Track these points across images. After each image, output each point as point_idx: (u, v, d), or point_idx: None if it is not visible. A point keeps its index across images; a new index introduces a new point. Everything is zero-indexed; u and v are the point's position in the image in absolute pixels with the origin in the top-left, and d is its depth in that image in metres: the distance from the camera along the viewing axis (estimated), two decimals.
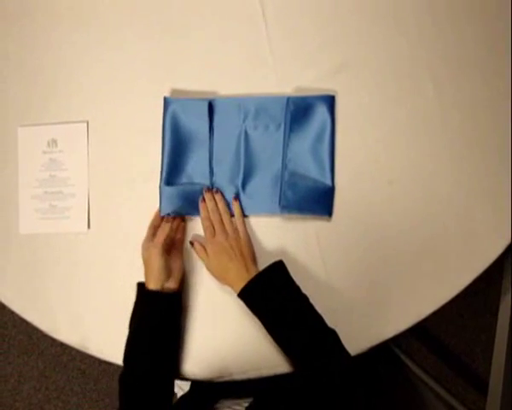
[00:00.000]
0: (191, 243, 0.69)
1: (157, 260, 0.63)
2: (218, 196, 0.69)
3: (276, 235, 0.69)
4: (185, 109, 0.70)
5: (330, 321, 0.60)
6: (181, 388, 0.85)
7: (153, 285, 0.63)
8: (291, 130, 0.69)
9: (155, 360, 0.63)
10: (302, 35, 0.72)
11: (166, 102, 0.71)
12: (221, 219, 0.68)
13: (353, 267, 0.68)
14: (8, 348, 1.43)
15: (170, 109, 0.70)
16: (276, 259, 0.64)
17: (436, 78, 0.70)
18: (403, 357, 1.05)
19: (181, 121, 0.70)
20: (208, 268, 0.67)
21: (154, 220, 0.69)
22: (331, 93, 0.70)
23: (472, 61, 0.70)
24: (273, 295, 0.61)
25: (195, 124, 0.70)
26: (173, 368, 0.67)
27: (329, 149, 0.69)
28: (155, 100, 0.71)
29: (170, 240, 0.67)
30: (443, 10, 0.71)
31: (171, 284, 0.65)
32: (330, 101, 0.69)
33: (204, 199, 0.69)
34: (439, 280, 0.67)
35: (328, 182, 0.68)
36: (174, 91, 0.73)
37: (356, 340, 0.65)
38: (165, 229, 0.66)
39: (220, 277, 0.66)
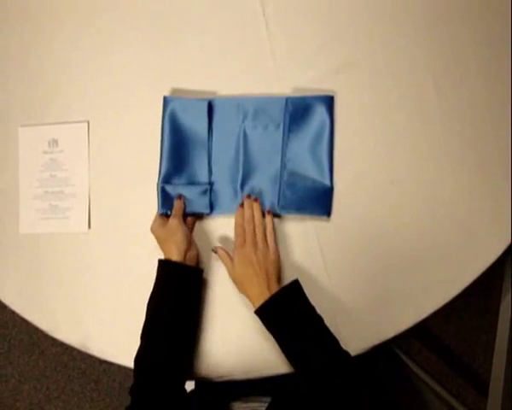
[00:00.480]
0: (214, 251, 0.68)
1: (179, 229, 0.64)
2: (255, 205, 0.68)
3: (276, 235, 0.69)
4: (184, 109, 0.70)
5: (331, 321, 0.60)
6: None
7: (176, 256, 0.63)
8: (290, 130, 0.69)
9: (175, 338, 0.61)
10: (302, 35, 0.72)
11: (166, 100, 0.71)
12: (254, 230, 0.66)
13: (354, 268, 0.68)
14: (9, 348, 1.44)
15: (169, 108, 0.70)
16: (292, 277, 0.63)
17: (436, 78, 0.70)
18: (403, 357, 1.05)
19: (180, 120, 0.70)
20: (231, 274, 0.66)
21: None
22: (330, 93, 0.70)
23: (472, 62, 0.70)
24: (290, 315, 0.60)
25: (195, 123, 0.70)
26: (191, 349, 0.66)
27: (328, 150, 0.69)
28: (156, 100, 0.71)
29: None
30: (442, 10, 0.71)
31: (193, 252, 0.66)
32: (329, 101, 0.69)
33: (242, 204, 0.68)
34: (439, 280, 0.67)
35: (327, 182, 0.68)
36: (174, 91, 0.73)
37: (356, 340, 0.65)
38: (181, 202, 0.68)
39: (241, 287, 0.65)
